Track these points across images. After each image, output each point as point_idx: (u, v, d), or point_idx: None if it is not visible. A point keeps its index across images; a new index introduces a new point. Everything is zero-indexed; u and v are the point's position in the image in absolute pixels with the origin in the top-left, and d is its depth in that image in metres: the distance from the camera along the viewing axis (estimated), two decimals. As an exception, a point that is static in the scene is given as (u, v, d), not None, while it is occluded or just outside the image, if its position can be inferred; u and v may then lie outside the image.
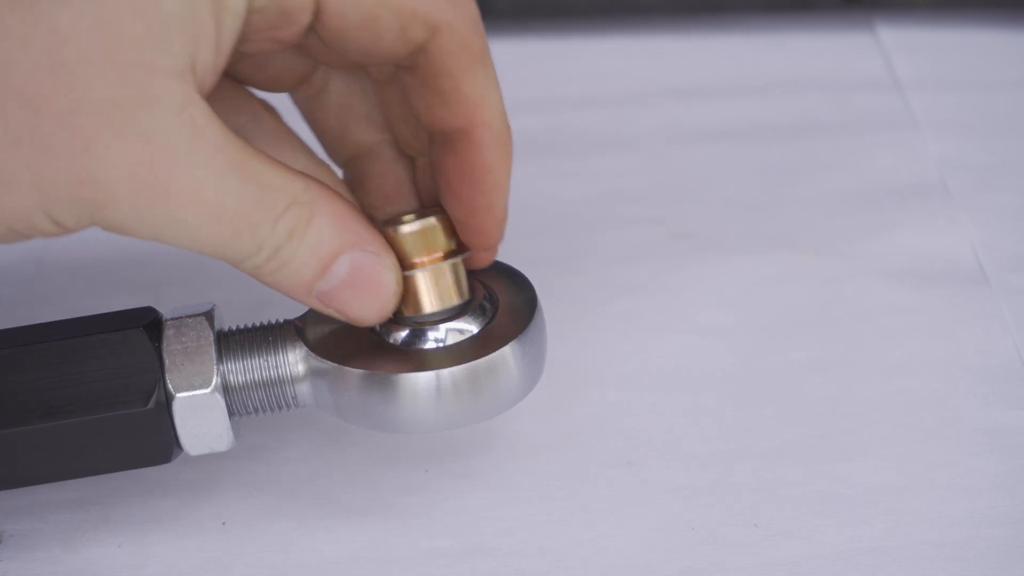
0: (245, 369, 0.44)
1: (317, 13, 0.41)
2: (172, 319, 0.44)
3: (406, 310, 0.44)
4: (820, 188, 0.65)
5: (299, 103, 0.48)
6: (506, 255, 0.60)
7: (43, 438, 0.43)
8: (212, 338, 0.44)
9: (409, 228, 0.43)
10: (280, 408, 0.45)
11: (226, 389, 0.44)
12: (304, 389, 0.45)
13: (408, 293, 0.44)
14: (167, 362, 0.43)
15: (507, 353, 0.44)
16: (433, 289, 0.44)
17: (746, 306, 0.58)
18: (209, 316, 0.44)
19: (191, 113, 0.39)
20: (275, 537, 0.49)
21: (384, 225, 0.44)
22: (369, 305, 0.43)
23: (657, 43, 0.73)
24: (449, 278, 0.44)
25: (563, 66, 0.72)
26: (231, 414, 0.44)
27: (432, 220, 0.44)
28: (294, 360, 0.44)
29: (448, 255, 0.44)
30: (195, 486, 0.50)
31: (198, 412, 0.44)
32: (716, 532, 0.48)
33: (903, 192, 0.64)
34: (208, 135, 0.39)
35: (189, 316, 0.44)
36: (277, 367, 0.44)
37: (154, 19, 0.38)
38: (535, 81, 0.71)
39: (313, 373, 0.44)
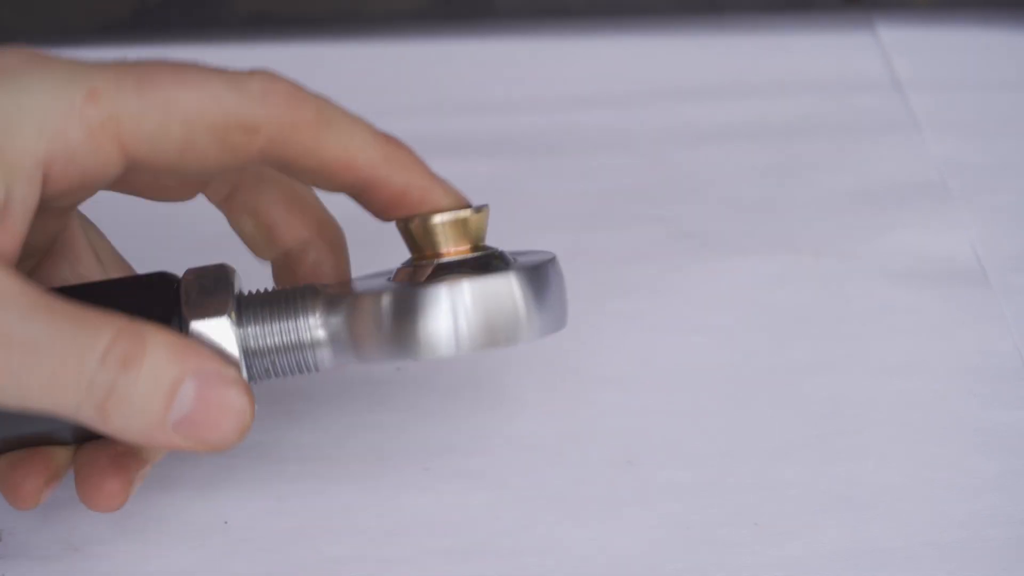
0: (265, 332, 0.44)
1: (129, 163, 0.41)
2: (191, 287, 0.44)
3: (426, 251, 0.44)
4: (820, 188, 0.65)
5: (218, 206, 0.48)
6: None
7: None
8: (232, 305, 0.43)
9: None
10: (299, 366, 0.44)
11: (245, 352, 0.44)
12: (321, 333, 0.44)
13: (427, 236, 0.44)
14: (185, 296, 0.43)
15: (520, 276, 0.43)
16: (451, 231, 0.44)
17: (746, 306, 0.58)
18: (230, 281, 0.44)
19: None
20: (276, 536, 0.49)
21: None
22: (227, 421, 0.41)
23: (657, 43, 0.73)
24: (470, 228, 0.44)
25: (563, 66, 0.72)
26: (250, 379, 0.44)
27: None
28: (312, 304, 0.44)
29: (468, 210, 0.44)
30: (197, 485, 0.50)
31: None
32: (716, 532, 0.48)
33: (903, 192, 0.64)
34: (4, 283, 0.39)
35: (209, 275, 0.44)
36: (294, 308, 0.44)
37: None
38: (535, 81, 0.71)
39: (330, 308, 0.44)
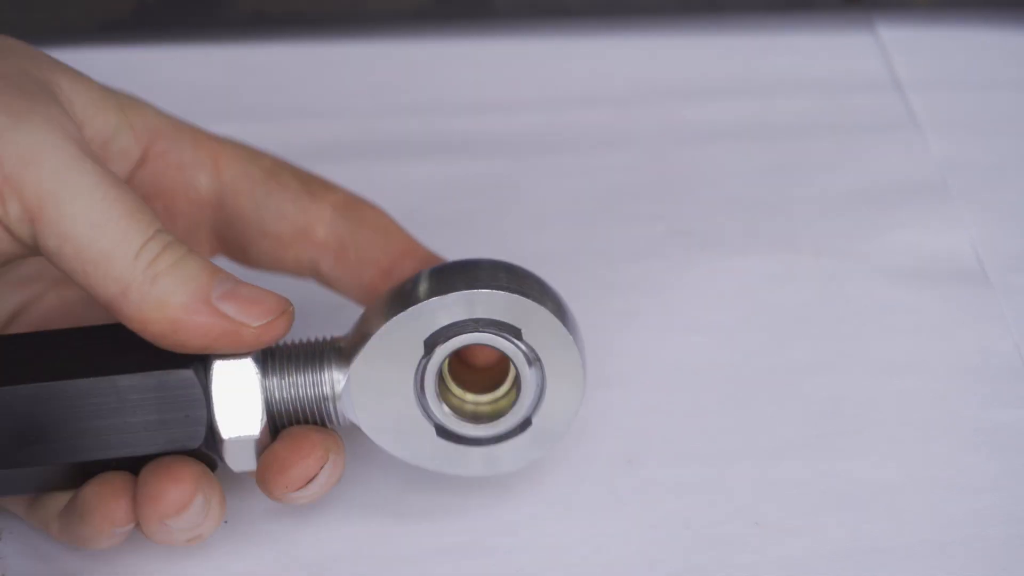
0: (287, 383, 0.44)
1: (219, 186, 0.46)
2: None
3: None
4: (820, 188, 0.64)
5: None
6: (507, 254, 0.60)
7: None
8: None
9: None
10: (319, 417, 0.45)
11: (267, 402, 0.44)
12: (342, 387, 0.44)
13: None
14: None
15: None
16: None
17: (747, 305, 0.58)
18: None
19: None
20: (276, 535, 0.49)
21: None
22: (269, 298, 0.43)
23: (657, 43, 0.73)
24: None
25: (563, 66, 0.72)
26: (271, 425, 0.44)
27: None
28: (336, 358, 0.45)
29: None
30: (196, 485, 0.50)
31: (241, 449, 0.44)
32: (716, 530, 0.48)
33: (903, 192, 0.64)
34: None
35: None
36: (318, 361, 0.45)
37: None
38: (535, 81, 0.71)
39: (350, 353, 0.44)
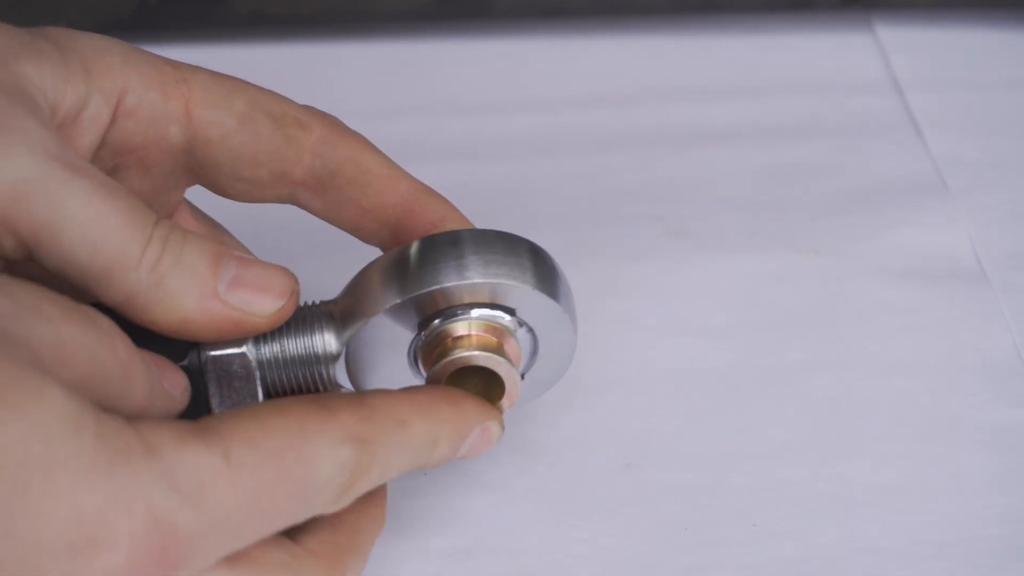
0: (280, 347, 0.44)
1: (193, 130, 0.45)
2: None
3: None
4: (819, 188, 0.65)
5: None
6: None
7: None
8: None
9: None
10: (313, 381, 0.45)
11: (260, 364, 0.44)
12: (334, 347, 0.44)
13: None
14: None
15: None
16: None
17: (746, 306, 0.58)
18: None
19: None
20: (276, 537, 0.49)
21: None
22: (275, 280, 0.42)
23: (657, 43, 0.73)
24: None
25: (563, 66, 0.72)
26: (264, 392, 0.44)
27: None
28: (326, 321, 0.44)
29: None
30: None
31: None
32: (715, 532, 0.49)
33: (902, 192, 0.64)
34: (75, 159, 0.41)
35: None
36: (309, 324, 0.44)
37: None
38: (535, 81, 0.71)
39: (343, 325, 0.44)
